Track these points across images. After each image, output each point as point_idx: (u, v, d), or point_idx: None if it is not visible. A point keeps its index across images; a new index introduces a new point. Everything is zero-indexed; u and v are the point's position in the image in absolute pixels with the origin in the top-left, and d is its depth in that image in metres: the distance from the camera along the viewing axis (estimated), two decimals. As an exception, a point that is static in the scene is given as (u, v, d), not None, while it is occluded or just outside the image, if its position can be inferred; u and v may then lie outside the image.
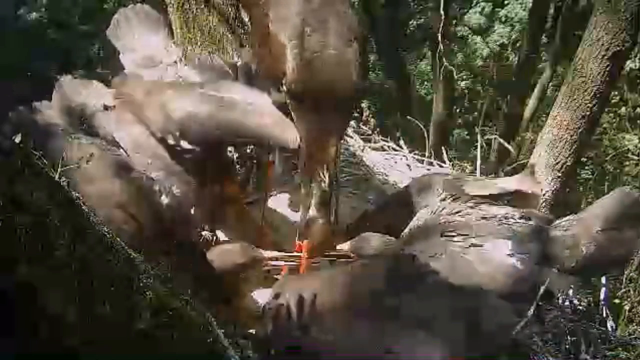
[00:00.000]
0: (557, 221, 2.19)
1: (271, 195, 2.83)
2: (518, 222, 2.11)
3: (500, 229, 2.09)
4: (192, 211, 2.28)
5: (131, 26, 2.76)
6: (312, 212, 2.28)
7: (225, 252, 2.27)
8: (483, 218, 2.12)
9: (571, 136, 3.07)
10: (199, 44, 3.35)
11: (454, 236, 2.08)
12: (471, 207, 2.18)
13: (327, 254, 2.34)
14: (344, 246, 2.22)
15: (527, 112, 7.35)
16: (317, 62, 2.27)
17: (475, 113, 7.80)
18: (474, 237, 2.06)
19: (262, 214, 2.70)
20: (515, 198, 2.37)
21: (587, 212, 2.20)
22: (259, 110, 2.37)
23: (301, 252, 2.32)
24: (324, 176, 2.26)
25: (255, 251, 2.30)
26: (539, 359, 2.12)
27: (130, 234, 1.89)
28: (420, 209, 2.32)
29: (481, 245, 2.05)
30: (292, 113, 2.44)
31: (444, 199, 2.25)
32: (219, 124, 2.35)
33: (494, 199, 2.30)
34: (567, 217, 2.20)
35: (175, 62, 2.68)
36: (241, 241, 2.35)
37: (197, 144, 2.35)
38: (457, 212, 2.17)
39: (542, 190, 2.54)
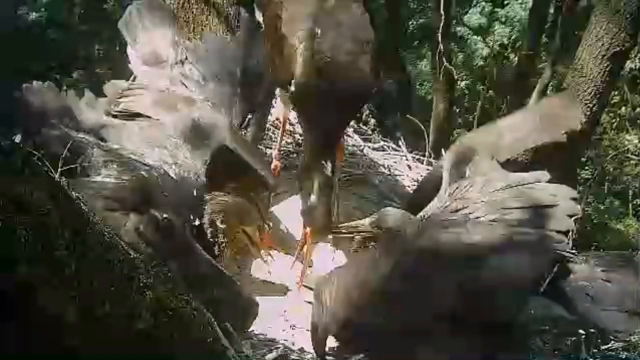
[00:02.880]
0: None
1: (275, 195, 2.83)
2: (521, 230, 2.09)
3: (497, 233, 2.06)
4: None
5: (142, 20, 2.75)
6: (314, 198, 2.30)
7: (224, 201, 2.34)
8: (483, 220, 2.10)
9: (571, 136, 3.07)
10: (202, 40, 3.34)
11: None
12: (477, 203, 2.15)
13: (342, 231, 2.37)
14: (365, 221, 2.23)
15: (527, 112, 7.34)
16: (328, 66, 2.27)
17: (476, 113, 7.79)
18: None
19: (266, 215, 2.70)
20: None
21: (594, 259, 2.14)
22: None
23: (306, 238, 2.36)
24: (327, 164, 2.28)
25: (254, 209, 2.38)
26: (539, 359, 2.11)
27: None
28: (446, 176, 2.32)
29: None
30: (297, 112, 2.45)
31: (454, 192, 2.23)
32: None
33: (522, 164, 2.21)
34: (580, 253, 2.19)
35: (181, 60, 2.67)
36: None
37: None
38: (461, 209, 2.15)
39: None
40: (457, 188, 2.23)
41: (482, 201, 2.14)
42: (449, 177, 2.32)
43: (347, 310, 1.92)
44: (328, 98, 2.27)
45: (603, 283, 2.03)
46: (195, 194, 2.28)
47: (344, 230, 2.34)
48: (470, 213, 2.12)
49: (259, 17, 2.72)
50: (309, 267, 2.51)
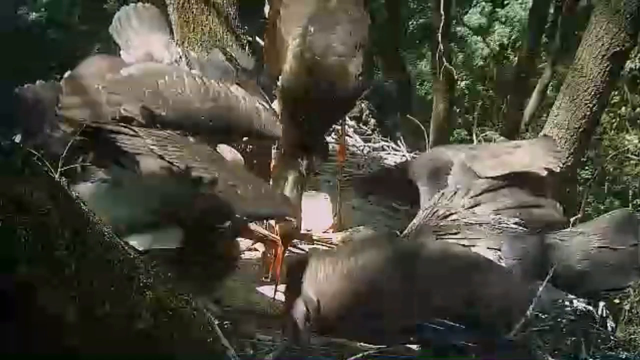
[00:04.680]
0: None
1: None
2: (511, 227, 2.09)
3: (493, 233, 2.07)
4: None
5: (132, 24, 2.78)
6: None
7: None
8: (476, 223, 2.11)
9: (571, 136, 3.07)
10: (199, 44, 3.35)
11: (444, 238, 2.06)
12: (466, 209, 2.16)
13: (314, 239, 2.34)
14: (337, 236, 2.22)
15: (527, 112, 7.35)
16: (317, 66, 2.26)
17: (476, 113, 7.79)
18: (464, 240, 2.04)
19: None
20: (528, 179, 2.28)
21: (587, 228, 2.16)
22: (250, 105, 2.36)
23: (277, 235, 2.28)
24: (303, 163, 2.27)
25: None
26: (539, 359, 2.11)
27: None
28: (424, 187, 2.31)
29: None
30: (282, 109, 2.45)
31: (439, 199, 2.23)
32: (211, 113, 2.32)
33: (507, 180, 2.23)
34: (567, 229, 2.20)
35: (177, 60, 2.69)
36: None
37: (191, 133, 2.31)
38: (450, 215, 2.16)
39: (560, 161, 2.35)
40: (442, 196, 2.23)
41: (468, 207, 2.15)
42: (428, 188, 2.32)
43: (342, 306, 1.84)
44: (312, 97, 2.27)
45: (598, 250, 2.05)
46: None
47: (313, 238, 2.32)
48: (458, 219, 2.12)
49: (266, 10, 2.73)
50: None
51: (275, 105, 2.81)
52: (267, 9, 2.72)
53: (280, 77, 2.32)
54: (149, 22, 2.81)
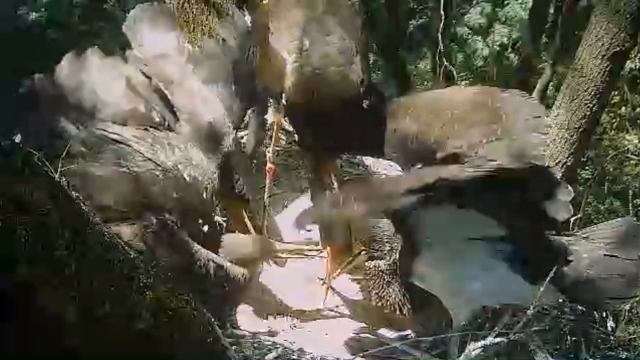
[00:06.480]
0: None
1: (270, 197, 2.83)
2: None
3: None
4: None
5: (144, 23, 2.79)
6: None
7: (237, 241, 2.31)
8: None
9: (571, 136, 3.06)
10: (199, 43, 3.35)
11: None
12: None
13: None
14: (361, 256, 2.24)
15: (527, 112, 7.33)
16: (318, 79, 2.24)
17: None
18: None
19: (263, 218, 2.70)
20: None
21: (592, 233, 2.14)
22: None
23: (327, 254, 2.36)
24: (332, 182, 2.27)
25: (268, 243, 2.37)
26: (539, 359, 2.12)
27: None
28: None
29: None
30: (292, 128, 2.44)
31: None
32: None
33: None
34: (574, 232, 2.19)
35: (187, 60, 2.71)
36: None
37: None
38: None
39: None
40: None
41: None
42: None
43: None
44: (319, 116, 2.25)
45: (606, 258, 2.04)
46: (205, 197, 2.28)
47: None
48: None
49: (249, 21, 2.72)
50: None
51: (270, 114, 2.82)
52: (249, 19, 2.70)
53: (283, 95, 2.30)
54: (163, 22, 2.83)
